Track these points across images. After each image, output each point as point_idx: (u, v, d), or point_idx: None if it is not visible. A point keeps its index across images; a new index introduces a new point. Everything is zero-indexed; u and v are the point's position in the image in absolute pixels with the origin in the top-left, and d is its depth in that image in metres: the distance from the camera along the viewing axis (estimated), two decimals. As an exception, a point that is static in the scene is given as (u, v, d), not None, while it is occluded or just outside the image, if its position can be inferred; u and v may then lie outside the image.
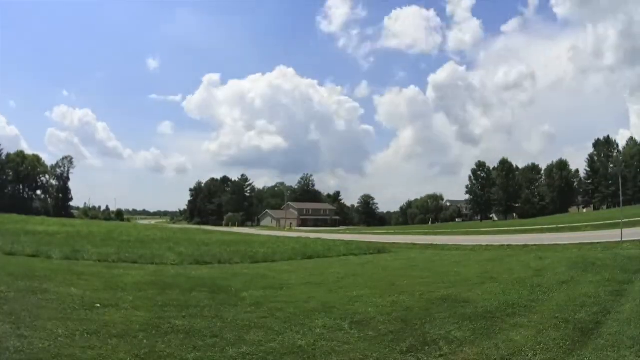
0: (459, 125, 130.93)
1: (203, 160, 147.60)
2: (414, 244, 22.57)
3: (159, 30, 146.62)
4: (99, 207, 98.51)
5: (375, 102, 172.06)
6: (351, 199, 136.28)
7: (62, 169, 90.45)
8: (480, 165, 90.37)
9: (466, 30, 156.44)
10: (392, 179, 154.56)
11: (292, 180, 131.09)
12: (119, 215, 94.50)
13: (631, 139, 73.33)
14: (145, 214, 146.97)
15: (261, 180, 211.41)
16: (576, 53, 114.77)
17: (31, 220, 32.04)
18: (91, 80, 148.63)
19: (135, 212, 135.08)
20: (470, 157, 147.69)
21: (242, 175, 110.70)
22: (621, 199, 18.71)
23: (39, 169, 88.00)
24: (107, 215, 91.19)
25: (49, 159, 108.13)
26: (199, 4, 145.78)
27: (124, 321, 4.92)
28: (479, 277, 8.59)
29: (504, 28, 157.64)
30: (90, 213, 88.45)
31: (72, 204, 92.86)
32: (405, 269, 10.77)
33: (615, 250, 12.66)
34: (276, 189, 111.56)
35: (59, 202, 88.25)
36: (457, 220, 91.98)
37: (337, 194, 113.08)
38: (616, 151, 74.79)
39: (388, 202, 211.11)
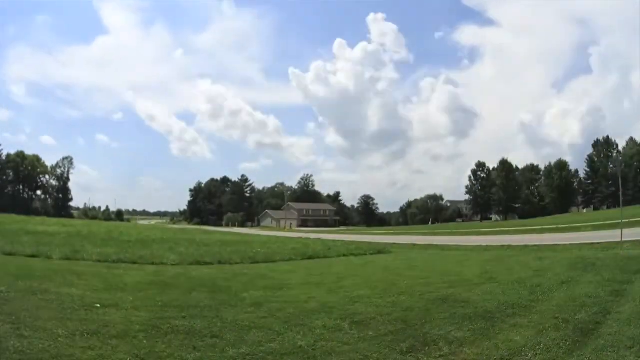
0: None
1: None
2: (414, 244, 22.51)
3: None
4: (99, 208, 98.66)
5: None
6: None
7: (62, 169, 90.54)
8: (480, 165, 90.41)
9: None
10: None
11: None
12: (119, 215, 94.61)
13: (631, 139, 73.56)
14: (145, 214, 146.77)
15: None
16: None
17: (31, 220, 32.06)
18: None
19: (135, 213, 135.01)
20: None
21: (242, 176, 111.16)
22: (621, 199, 18.61)
23: (39, 169, 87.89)
24: (107, 215, 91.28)
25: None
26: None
27: (124, 321, 4.92)
28: (478, 277, 8.59)
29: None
30: (90, 213, 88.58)
31: (72, 204, 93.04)
32: (405, 269, 10.77)
33: (615, 250, 12.66)
34: (276, 189, 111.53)
35: (59, 203, 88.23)
36: (457, 220, 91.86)
37: (337, 194, 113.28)
38: (616, 151, 74.85)
39: (388, 203, 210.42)
